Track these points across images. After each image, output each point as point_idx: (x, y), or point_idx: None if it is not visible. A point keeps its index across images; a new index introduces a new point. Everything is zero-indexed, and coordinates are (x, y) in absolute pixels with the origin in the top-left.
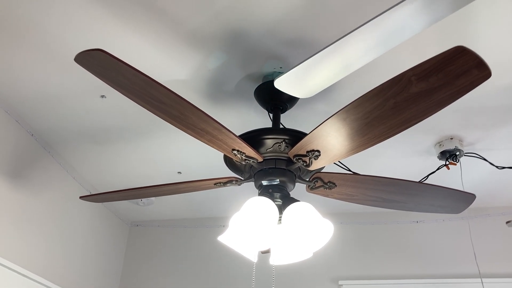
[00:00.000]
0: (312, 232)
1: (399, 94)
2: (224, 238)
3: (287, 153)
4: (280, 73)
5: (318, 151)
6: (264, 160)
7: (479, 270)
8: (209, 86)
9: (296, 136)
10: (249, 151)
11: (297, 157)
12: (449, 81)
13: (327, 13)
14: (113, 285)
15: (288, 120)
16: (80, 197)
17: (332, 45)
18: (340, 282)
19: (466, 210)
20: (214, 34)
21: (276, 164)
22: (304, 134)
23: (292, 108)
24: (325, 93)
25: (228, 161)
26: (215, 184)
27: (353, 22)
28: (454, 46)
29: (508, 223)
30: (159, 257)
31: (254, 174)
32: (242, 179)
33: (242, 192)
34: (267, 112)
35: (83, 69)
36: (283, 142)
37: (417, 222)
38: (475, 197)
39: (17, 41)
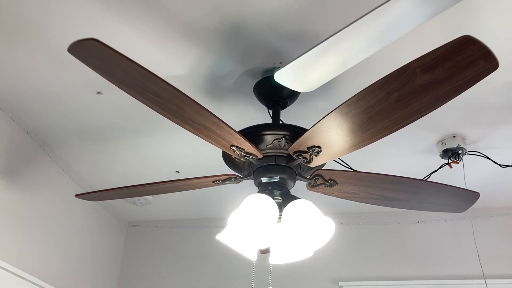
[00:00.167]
0: (312, 230)
1: (403, 87)
2: (223, 237)
3: (287, 150)
4: (279, 69)
5: (319, 147)
6: (263, 156)
7: (482, 271)
8: (207, 82)
9: (296, 132)
10: (248, 147)
11: (297, 154)
12: (455, 73)
13: (327, 6)
14: (111, 287)
15: (288, 117)
16: (76, 195)
17: (332, 37)
18: (341, 283)
19: (468, 210)
20: (212, 28)
21: (276, 160)
22: (305, 130)
23: (292, 105)
24: (326, 90)
25: (227, 158)
26: (213, 181)
27: (354, 15)
28: (460, 36)
29: None
30: (157, 258)
31: (254, 171)
32: (241, 176)
33: (241, 192)
34: (266, 109)
35: (79, 65)
36: (283, 138)
37: (418, 222)
38: (479, 195)
39: (12, 37)
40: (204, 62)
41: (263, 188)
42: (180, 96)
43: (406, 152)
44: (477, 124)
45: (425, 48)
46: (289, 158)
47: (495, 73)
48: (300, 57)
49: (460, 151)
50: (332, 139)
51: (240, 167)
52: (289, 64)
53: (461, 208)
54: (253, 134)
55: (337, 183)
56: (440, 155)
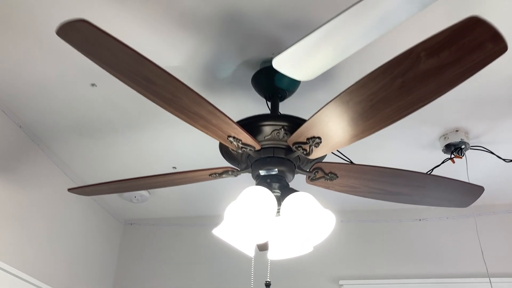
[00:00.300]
0: (312, 224)
1: (407, 73)
2: (219, 232)
3: (286, 141)
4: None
5: (319, 138)
6: (261, 148)
7: (487, 269)
8: (204, 74)
9: (295, 123)
10: (245, 137)
11: (296, 145)
12: (461, 56)
13: None
14: (106, 285)
15: (287, 109)
16: (69, 190)
17: (330, 22)
18: (341, 282)
19: (471, 207)
20: (209, 16)
21: (275, 152)
22: (304, 121)
23: (291, 97)
24: (326, 81)
25: (224, 151)
26: (210, 175)
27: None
28: (467, 17)
29: None
30: (154, 257)
31: (251, 164)
32: (239, 169)
33: (239, 189)
34: (265, 101)
35: (71, 54)
36: (282, 129)
37: (420, 220)
38: (484, 189)
39: (1, 26)
40: (201, 52)
41: (261, 181)
42: (174, 83)
43: (407, 147)
44: (480, 117)
45: (430, 31)
46: (288, 150)
47: (500, 65)
48: (300, 42)
49: (463, 146)
50: (332, 129)
51: (238, 160)
52: (288, 50)
53: (464, 203)
54: (250, 125)
55: (337, 177)
56: (443, 150)
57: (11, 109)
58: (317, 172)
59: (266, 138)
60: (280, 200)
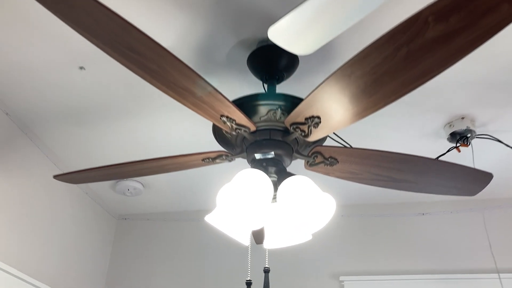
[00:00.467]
0: (311, 210)
1: (413, 41)
2: (212, 219)
3: (283, 122)
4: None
5: (318, 117)
6: (257, 130)
7: (496, 265)
8: (197, 55)
9: (293, 103)
10: (240, 117)
11: (294, 126)
12: (472, 21)
13: None
14: (98, 283)
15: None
16: (54, 176)
17: None
18: (341, 278)
19: (478, 200)
20: None
21: (271, 135)
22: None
23: (289, 81)
24: (326, 63)
25: (218, 134)
26: (203, 160)
27: None
28: None
29: None
30: (148, 253)
31: (247, 148)
32: (233, 154)
33: None
34: (262, 84)
35: (59, 37)
36: (279, 109)
37: (423, 214)
38: (492, 176)
39: None
40: (193, 32)
41: (257, 165)
42: (161, 53)
43: (410, 136)
44: (488, 104)
45: None
46: (286, 132)
47: (509, 46)
48: (297, 9)
49: (469, 134)
50: (332, 107)
51: (232, 144)
52: (285, 18)
53: (472, 191)
54: (245, 105)
55: (338, 162)
56: (448, 139)
57: None
58: (316, 156)
59: (262, 119)
60: (276, 185)
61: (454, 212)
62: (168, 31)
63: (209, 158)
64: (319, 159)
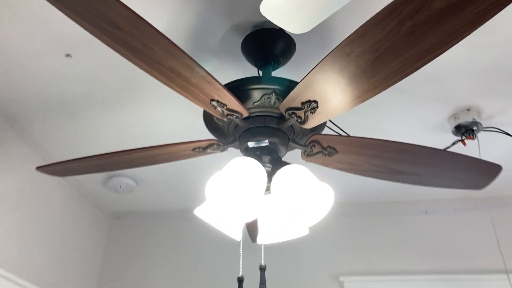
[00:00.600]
0: (308, 201)
1: (418, 13)
2: (202, 212)
3: (278, 108)
4: (271, 22)
5: (315, 101)
6: (250, 116)
7: (504, 264)
8: (189, 41)
9: (289, 87)
10: (231, 101)
11: (290, 111)
12: None
13: None
14: (90, 284)
15: None
16: (37, 168)
17: None
18: (341, 279)
19: (484, 198)
20: None
21: (265, 122)
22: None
23: (285, 66)
24: (327, 47)
25: (209, 122)
26: (193, 150)
27: None
28: None
29: None
30: (142, 253)
31: (239, 136)
32: (224, 143)
33: None
34: (257, 71)
35: (44, 22)
36: (273, 94)
37: (426, 212)
38: (501, 168)
39: None
40: (184, 16)
41: (250, 154)
42: (145, 28)
43: (413, 129)
44: (495, 94)
45: None
46: (281, 118)
47: None
48: None
49: (474, 127)
50: (331, 90)
51: (225, 132)
52: None
53: (479, 184)
54: (237, 89)
55: (336, 152)
56: (453, 132)
57: None
58: (314, 146)
59: (255, 104)
60: (271, 175)
61: (459, 211)
62: (159, 15)
63: (200, 148)
64: (316, 149)
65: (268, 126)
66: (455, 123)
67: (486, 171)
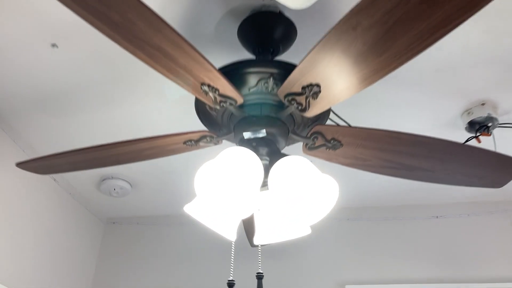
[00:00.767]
0: (309, 196)
1: None
2: (192, 209)
3: (277, 94)
4: (270, 6)
5: (317, 85)
6: (245, 104)
7: None
8: (182, 28)
9: (288, 70)
10: (224, 85)
11: (289, 98)
12: None
13: None
14: None
15: None
16: (17, 164)
17: None
18: (347, 287)
19: (497, 203)
20: None
21: (262, 110)
22: None
23: (286, 54)
24: None
25: (201, 112)
26: (185, 143)
27: None
28: None
29: None
30: (137, 259)
31: (234, 126)
32: (218, 135)
33: None
34: (254, 58)
35: (28, 10)
36: (271, 78)
37: (437, 217)
38: None
39: None
40: (176, 1)
41: (246, 146)
42: None
43: (424, 125)
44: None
45: None
46: (280, 106)
47: None
48: None
49: (490, 123)
50: (335, 71)
51: (218, 123)
52: None
53: (497, 182)
54: (231, 73)
55: (342, 145)
56: (466, 128)
57: None
58: (317, 138)
59: (251, 90)
60: (268, 169)
61: (471, 215)
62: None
63: (192, 141)
64: (319, 141)
65: (266, 114)
66: (469, 119)
67: (506, 167)
